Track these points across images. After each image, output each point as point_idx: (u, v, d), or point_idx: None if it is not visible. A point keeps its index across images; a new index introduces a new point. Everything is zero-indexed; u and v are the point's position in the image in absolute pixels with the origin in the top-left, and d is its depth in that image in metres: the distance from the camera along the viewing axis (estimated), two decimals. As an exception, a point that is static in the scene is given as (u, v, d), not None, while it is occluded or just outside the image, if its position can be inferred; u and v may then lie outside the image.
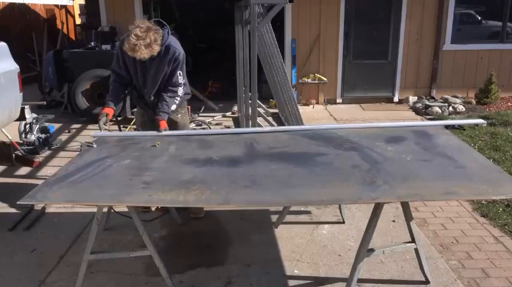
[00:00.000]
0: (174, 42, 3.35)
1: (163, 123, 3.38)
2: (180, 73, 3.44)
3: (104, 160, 2.82)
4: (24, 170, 4.99)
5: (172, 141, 3.21)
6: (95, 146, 3.09)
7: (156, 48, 3.17)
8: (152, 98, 3.52)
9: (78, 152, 3.26)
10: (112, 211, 3.51)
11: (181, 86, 3.48)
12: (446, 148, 2.88)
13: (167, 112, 3.43)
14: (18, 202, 2.30)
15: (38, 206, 3.93)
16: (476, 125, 3.57)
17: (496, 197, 2.64)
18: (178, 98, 3.49)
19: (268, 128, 3.53)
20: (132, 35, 3.04)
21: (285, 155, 2.89)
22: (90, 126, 6.86)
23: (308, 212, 3.82)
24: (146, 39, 3.06)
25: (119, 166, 2.73)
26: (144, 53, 3.11)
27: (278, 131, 3.39)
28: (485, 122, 3.44)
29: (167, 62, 3.34)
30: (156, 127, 3.39)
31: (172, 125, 3.54)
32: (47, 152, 5.59)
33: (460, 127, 3.42)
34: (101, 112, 3.46)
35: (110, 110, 3.45)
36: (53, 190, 2.40)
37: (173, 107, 3.46)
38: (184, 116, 3.74)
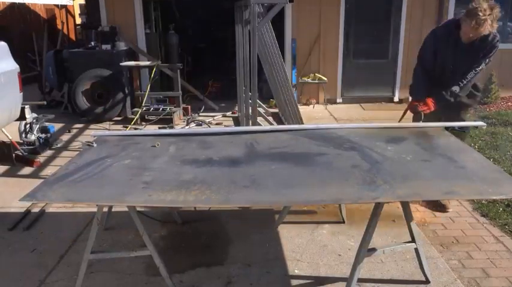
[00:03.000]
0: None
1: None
2: (486, 61, 3.44)
3: (104, 159, 2.82)
4: (24, 170, 5.00)
5: (172, 141, 3.21)
6: (95, 145, 3.09)
7: (495, 27, 3.27)
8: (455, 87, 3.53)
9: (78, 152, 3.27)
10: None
11: (474, 71, 3.46)
12: (446, 149, 2.89)
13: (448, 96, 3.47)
14: (18, 200, 2.31)
15: (38, 206, 3.93)
16: (476, 127, 3.58)
17: (496, 197, 2.64)
18: (465, 81, 3.49)
19: (268, 127, 3.52)
20: (481, 11, 3.15)
21: (285, 155, 2.89)
22: (90, 126, 6.88)
23: (308, 212, 3.82)
24: (492, 15, 3.18)
25: (119, 166, 2.73)
26: (487, 29, 3.22)
27: (278, 130, 3.39)
28: (485, 124, 3.45)
29: (483, 47, 3.39)
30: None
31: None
32: (47, 152, 5.59)
33: (460, 129, 3.41)
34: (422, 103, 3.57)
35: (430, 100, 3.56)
36: (53, 189, 2.40)
37: (455, 88, 3.48)
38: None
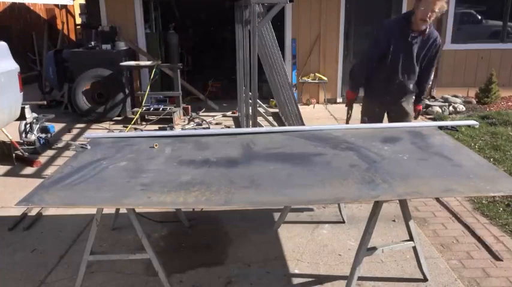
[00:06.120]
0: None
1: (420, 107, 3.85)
2: (434, 63, 3.67)
3: (99, 161, 2.79)
4: (24, 170, 5.00)
5: (167, 142, 3.18)
6: (88, 147, 3.06)
7: (445, 7, 3.36)
8: (406, 82, 3.66)
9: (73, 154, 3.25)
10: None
11: (430, 72, 3.73)
12: (442, 148, 2.90)
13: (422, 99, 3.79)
14: (14, 205, 2.30)
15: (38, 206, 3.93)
16: (469, 126, 3.60)
17: (494, 193, 2.66)
18: (428, 82, 3.82)
19: (264, 129, 3.52)
20: None
21: (282, 155, 2.88)
22: (91, 126, 6.88)
23: (309, 211, 3.82)
24: None
25: (115, 168, 2.70)
26: (439, 3, 3.27)
27: (273, 131, 3.38)
28: (477, 123, 3.46)
29: (431, 44, 3.52)
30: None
31: (404, 115, 3.78)
32: (48, 152, 5.59)
33: (453, 128, 3.43)
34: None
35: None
36: (50, 193, 2.36)
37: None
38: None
